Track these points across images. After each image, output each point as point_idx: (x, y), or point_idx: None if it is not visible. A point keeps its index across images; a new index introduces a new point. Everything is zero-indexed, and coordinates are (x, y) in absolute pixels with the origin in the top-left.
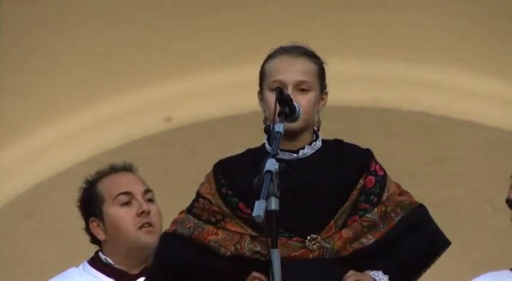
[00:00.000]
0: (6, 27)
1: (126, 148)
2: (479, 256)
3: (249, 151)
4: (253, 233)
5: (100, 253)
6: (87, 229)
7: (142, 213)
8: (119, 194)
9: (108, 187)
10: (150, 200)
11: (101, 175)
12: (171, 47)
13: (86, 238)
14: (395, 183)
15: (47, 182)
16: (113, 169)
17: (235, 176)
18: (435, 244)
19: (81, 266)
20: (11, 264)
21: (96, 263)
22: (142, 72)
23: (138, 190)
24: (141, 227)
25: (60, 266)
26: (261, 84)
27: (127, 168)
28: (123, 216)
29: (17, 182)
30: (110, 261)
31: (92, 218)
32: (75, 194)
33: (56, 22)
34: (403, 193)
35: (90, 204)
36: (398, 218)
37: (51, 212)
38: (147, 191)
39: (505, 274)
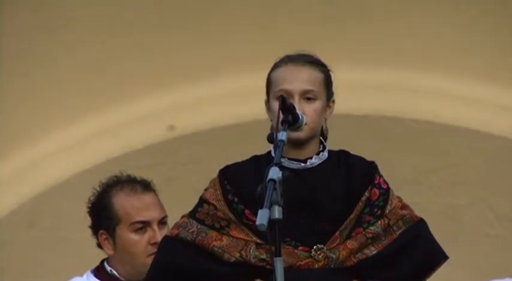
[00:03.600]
0: (8, 36)
1: (128, 156)
2: (482, 264)
3: (255, 157)
4: (259, 241)
5: (106, 264)
6: (94, 232)
7: (155, 244)
8: (136, 222)
9: (126, 209)
10: (164, 223)
11: (118, 187)
12: (174, 55)
13: (89, 247)
14: (397, 196)
15: (50, 191)
16: (133, 187)
17: (242, 182)
18: (433, 258)
19: (85, 276)
20: (13, 273)
21: (100, 273)
22: (145, 81)
23: (155, 218)
24: (151, 254)
25: (63, 275)
26: (267, 94)
27: (147, 188)
28: (135, 242)
29: (20, 191)
30: (115, 273)
31: (102, 231)
32: (78, 203)
33: (57, 30)
34: (404, 206)
35: (103, 218)
36: (400, 231)
37: (54, 221)
38: (163, 217)
39: None
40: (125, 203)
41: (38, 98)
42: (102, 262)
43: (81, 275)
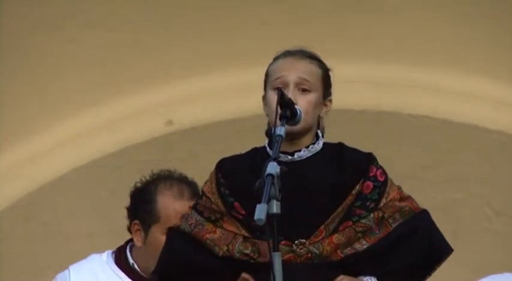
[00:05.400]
0: (7, 30)
1: (126, 151)
2: (480, 259)
3: (255, 149)
4: (246, 234)
5: (129, 255)
6: (129, 216)
7: None
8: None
9: (168, 212)
10: None
11: (167, 184)
12: (172, 50)
13: (86, 241)
14: (398, 187)
15: (48, 185)
16: (181, 191)
17: (234, 175)
18: (435, 250)
19: (104, 256)
20: (11, 267)
21: (121, 260)
22: (143, 76)
23: None
24: None
25: (60, 270)
26: (265, 88)
27: (195, 195)
28: None
29: (18, 185)
30: (136, 267)
31: (136, 222)
32: (75, 198)
33: (56, 25)
34: (404, 198)
35: (143, 210)
36: (396, 224)
37: (51, 215)
38: None
39: (506, 277)
40: (168, 205)
41: (35, 93)
42: (125, 248)
43: (100, 252)
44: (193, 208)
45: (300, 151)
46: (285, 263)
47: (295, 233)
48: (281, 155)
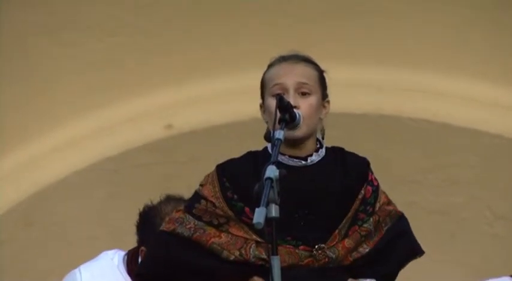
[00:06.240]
0: (7, 34)
1: (126, 155)
2: (479, 262)
3: (251, 153)
4: (258, 239)
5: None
6: (137, 234)
7: None
8: None
9: None
10: None
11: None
12: (172, 54)
13: (87, 244)
14: (383, 191)
15: (47, 189)
16: None
17: (241, 180)
18: (414, 253)
19: (116, 260)
20: (11, 271)
21: (133, 270)
22: (143, 80)
23: None
24: None
25: (60, 274)
26: (262, 95)
27: None
28: None
29: (17, 189)
30: None
31: (143, 249)
32: (75, 201)
33: (56, 29)
34: (390, 202)
35: (149, 240)
36: (386, 227)
37: (51, 219)
38: None
39: None
40: None
41: (35, 96)
42: (137, 255)
43: (110, 249)
44: (187, 211)
45: (311, 155)
46: (302, 268)
47: (312, 238)
48: (294, 159)
